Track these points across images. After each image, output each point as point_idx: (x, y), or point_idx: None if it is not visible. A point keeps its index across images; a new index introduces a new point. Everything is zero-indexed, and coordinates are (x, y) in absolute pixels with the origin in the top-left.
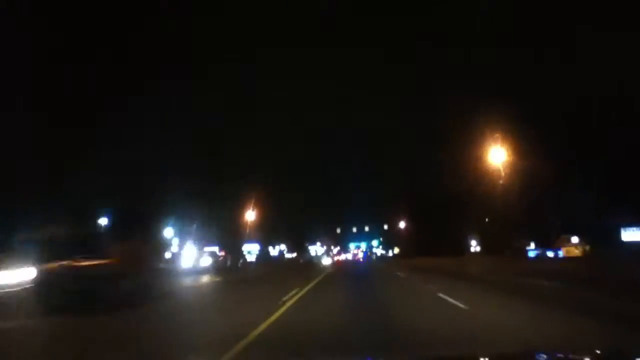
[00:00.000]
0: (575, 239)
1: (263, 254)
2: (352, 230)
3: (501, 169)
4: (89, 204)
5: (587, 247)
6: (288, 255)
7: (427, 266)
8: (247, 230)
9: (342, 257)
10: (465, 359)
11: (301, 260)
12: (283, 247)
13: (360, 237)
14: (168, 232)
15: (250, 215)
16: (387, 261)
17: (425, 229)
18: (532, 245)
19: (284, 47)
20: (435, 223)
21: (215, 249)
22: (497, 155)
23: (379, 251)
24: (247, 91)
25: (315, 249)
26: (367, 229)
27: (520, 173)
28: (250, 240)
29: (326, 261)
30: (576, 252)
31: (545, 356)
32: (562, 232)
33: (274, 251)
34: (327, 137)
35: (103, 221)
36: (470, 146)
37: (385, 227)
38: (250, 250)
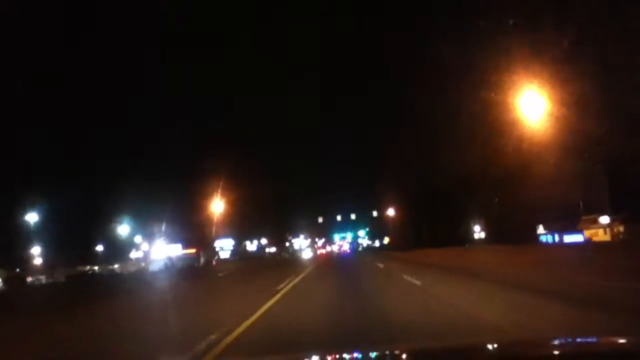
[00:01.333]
0: (604, 219)
1: (238, 250)
2: (336, 219)
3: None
4: None
5: (621, 229)
6: (269, 250)
7: (428, 260)
8: (214, 225)
9: (329, 249)
10: (474, 347)
11: (285, 255)
12: (264, 241)
13: (345, 226)
14: (124, 229)
15: (217, 207)
16: (376, 253)
17: (422, 216)
18: (540, 229)
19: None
20: (433, 209)
21: (177, 247)
22: (531, 105)
23: (365, 242)
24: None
25: (300, 243)
26: (353, 216)
27: (559, 131)
28: (222, 236)
29: (307, 255)
30: (604, 236)
31: (562, 341)
32: (585, 212)
33: (251, 246)
34: (305, 116)
35: None
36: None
37: (375, 214)
38: (223, 246)
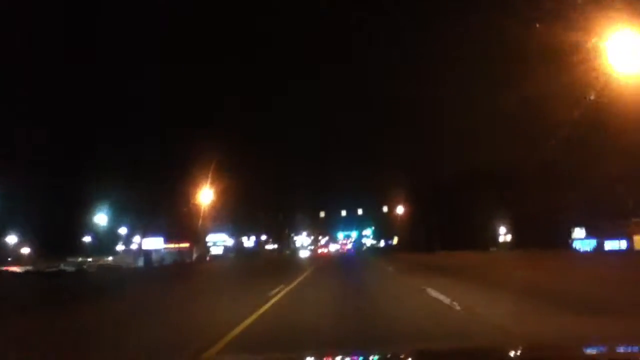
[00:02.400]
0: None
1: (233, 246)
2: (340, 214)
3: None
4: None
5: None
6: (269, 247)
7: (447, 264)
8: (201, 216)
9: (331, 248)
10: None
11: (287, 252)
12: (263, 237)
13: (351, 223)
14: (101, 218)
15: (206, 196)
16: (382, 254)
17: (437, 214)
18: (580, 233)
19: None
20: (451, 207)
21: (158, 240)
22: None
23: (369, 241)
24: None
25: (302, 240)
26: (360, 212)
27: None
28: (215, 230)
29: (304, 254)
30: None
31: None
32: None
33: (248, 242)
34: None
35: None
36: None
37: (385, 209)
38: (217, 241)
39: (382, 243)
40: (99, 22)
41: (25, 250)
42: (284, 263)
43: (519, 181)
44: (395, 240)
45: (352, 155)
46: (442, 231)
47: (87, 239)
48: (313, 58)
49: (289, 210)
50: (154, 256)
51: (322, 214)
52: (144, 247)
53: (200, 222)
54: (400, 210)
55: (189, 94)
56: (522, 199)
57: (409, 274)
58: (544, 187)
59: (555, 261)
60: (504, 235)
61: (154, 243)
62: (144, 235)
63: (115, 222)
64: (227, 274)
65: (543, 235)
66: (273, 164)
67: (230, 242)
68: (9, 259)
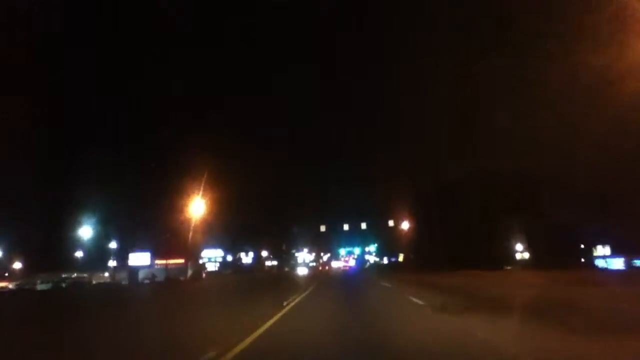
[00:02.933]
0: None
1: (231, 262)
2: (342, 228)
3: None
4: None
5: None
6: (269, 264)
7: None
8: (192, 230)
9: (334, 265)
10: None
11: (286, 269)
12: (264, 253)
13: (353, 238)
14: (85, 232)
15: (198, 209)
16: (388, 272)
17: (447, 230)
18: (603, 251)
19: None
20: (463, 221)
21: (145, 256)
22: None
23: (372, 258)
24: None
25: (304, 257)
26: (364, 226)
27: None
28: (209, 245)
29: (302, 271)
30: None
31: None
32: None
33: (247, 258)
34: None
35: None
36: None
37: (391, 223)
38: (212, 257)
39: (385, 260)
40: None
41: (17, 265)
42: (279, 282)
43: (537, 195)
44: (401, 257)
45: (355, 167)
46: (452, 248)
47: (79, 254)
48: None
49: (287, 224)
50: (143, 273)
51: (322, 228)
52: (130, 263)
53: (191, 235)
54: (405, 225)
55: (183, 101)
56: (540, 213)
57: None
58: (564, 202)
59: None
60: (521, 252)
61: (141, 259)
62: (130, 251)
63: (104, 237)
64: (213, 295)
65: (561, 252)
66: (271, 176)
67: (227, 257)
68: (6, 275)
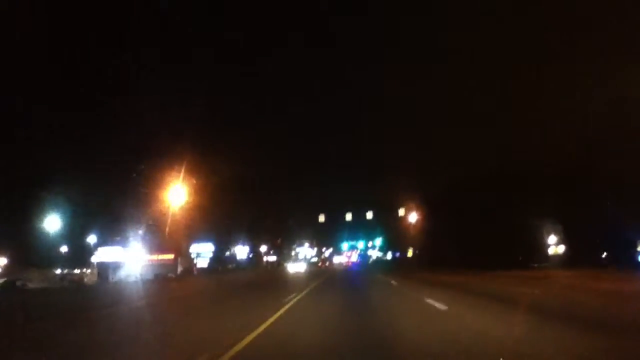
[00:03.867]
0: None
1: (227, 257)
2: (344, 219)
3: None
4: None
5: None
6: (268, 259)
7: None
8: (168, 222)
9: (336, 261)
10: None
11: (280, 266)
12: (263, 248)
13: (357, 230)
14: (52, 223)
15: (178, 196)
16: (396, 272)
17: (466, 221)
18: None
19: None
20: (485, 212)
21: (115, 251)
22: None
23: (375, 253)
24: None
25: (305, 252)
26: (370, 215)
27: None
28: (200, 239)
29: (294, 268)
30: None
31: None
32: None
33: (242, 253)
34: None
35: None
36: None
37: (401, 212)
38: (201, 252)
39: (389, 256)
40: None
41: (3, 261)
42: (272, 282)
43: (570, 186)
44: (410, 253)
45: (359, 148)
46: (472, 243)
47: (63, 249)
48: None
49: (282, 215)
50: (125, 270)
51: (321, 218)
52: (100, 258)
53: (168, 226)
54: (413, 218)
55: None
56: (575, 205)
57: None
58: (604, 193)
59: None
60: (555, 245)
61: (112, 254)
62: (99, 245)
63: (84, 230)
64: (189, 301)
65: (603, 247)
66: (262, 160)
67: (225, 252)
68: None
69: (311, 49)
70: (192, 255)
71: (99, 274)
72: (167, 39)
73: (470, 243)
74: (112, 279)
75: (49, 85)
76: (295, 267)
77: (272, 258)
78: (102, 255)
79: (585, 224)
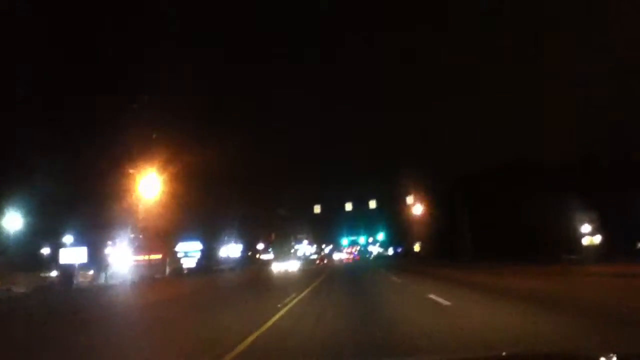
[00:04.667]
0: None
1: (210, 257)
2: (343, 210)
3: None
4: None
5: None
6: (264, 257)
7: None
8: (141, 217)
9: (335, 257)
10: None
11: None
12: (260, 246)
13: (358, 224)
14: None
15: (149, 185)
16: (406, 268)
17: (486, 214)
18: None
19: None
20: (502, 200)
21: (79, 252)
22: None
23: (376, 249)
24: None
25: (303, 249)
26: (373, 204)
27: None
28: (188, 238)
29: (281, 267)
30: None
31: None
32: None
33: (235, 251)
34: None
35: None
36: None
37: (409, 200)
38: (188, 251)
39: (390, 251)
40: None
41: None
42: (258, 285)
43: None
44: (417, 247)
45: (363, 131)
46: (493, 236)
47: (45, 250)
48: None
49: (274, 206)
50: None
51: (317, 209)
52: (62, 260)
53: (138, 222)
54: (421, 209)
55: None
56: (608, 189)
57: None
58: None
59: None
60: (590, 235)
61: (76, 256)
62: (58, 244)
63: (59, 229)
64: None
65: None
66: (259, 148)
67: (219, 251)
68: None
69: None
70: (179, 255)
71: (62, 278)
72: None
73: (490, 236)
74: (77, 283)
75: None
76: (283, 266)
77: (270, 256)
78: (66, 257)
79: (622, 210)
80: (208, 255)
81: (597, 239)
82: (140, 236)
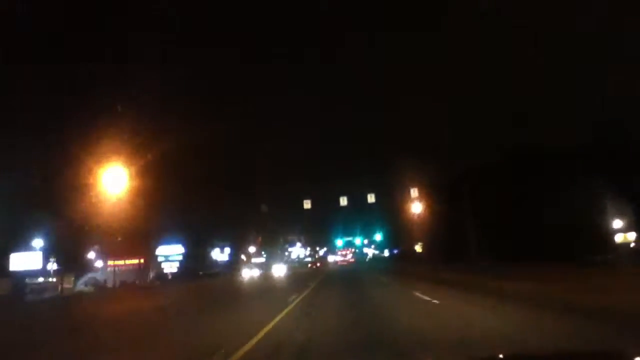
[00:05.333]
0: None
1: (197, 261)
2: (337, 205)
3: None
4: None
5: None
6: (255, 260)
7: None
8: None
9: (330, 259)
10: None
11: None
12: (252, 249)
13: (353, 223)
14: None
15: (114, 179)
16: (411, 273)
17: (500, 210)
18: None
19: None
20: (526, 196)
21: (33, 258)
22: None
23: (371, 251)
24: None
25: (297, 252)
26: (372, 198)
27: None
28: (169, 241)
29: (251, 273)
30: None
31: None
32: None
33: (221, 255)
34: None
35: None
36: None
37: (414, 192)
38: (169, 255)
39: (386, 253)
40: None
41: None
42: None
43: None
44: (418, 247)
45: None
46: (500, 233)
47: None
48: None
49: (257, 203)
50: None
51: (307, 204)
52: (12, 267)
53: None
54: (418, 208)
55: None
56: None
57: None
58: None
59: None
60: (623, 231)
61: (28, 262)
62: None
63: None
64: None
65: None
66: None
67: (214, 254)
68: None
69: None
70: (160, 259)
71: (13, 287)
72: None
73: (502, 234)
74: (28, 295)
75: None
76: (251, 273)
77: (262, 259)
78: (17, 263)
79: None
80: (193, 259)
81: (632, 235)
82: (119, 239)
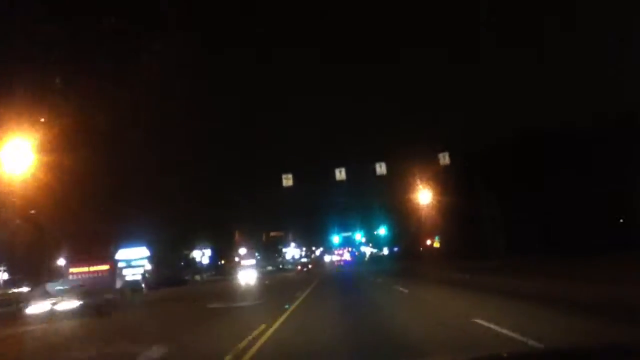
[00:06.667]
0: None
1: (171, 265)
2: (330, 178)
3: None
4: None
5: None
6: (247, 263)
7: None
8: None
9: (326, 259)
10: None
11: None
12: (242, 250)
13: (351, 208)
14: None
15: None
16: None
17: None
18: None
19: None
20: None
21: None
22: None
23: (369, 250)
24: None
25: (292, 252)
26: (380, 169)
27: None
28: (129, 244)
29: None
30: None
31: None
32: None
33: (203, 258)
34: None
35: None
36: None
37: (445, 158)
38: (131, 259)
39: (385, 251)
40: None
41: None
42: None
43: None
44: (436, 243)
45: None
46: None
47: None
48: None
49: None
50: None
51: (287, 180)
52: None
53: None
54: (426, 198)
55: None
56: None
57: None
58: None
59: None
60: None
61: None
62: None
63: None
64: None
65: None
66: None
67: (199, 258)
68: None
69: None
70: (120, 265)
71: None
72: None
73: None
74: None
75: None
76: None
77: (252, 262)
78: None
79: None
80: (159, 264)
81: None
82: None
